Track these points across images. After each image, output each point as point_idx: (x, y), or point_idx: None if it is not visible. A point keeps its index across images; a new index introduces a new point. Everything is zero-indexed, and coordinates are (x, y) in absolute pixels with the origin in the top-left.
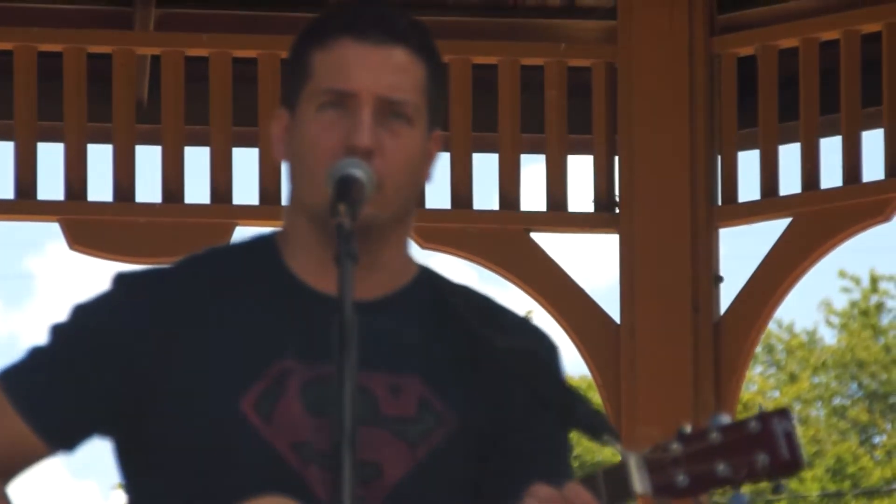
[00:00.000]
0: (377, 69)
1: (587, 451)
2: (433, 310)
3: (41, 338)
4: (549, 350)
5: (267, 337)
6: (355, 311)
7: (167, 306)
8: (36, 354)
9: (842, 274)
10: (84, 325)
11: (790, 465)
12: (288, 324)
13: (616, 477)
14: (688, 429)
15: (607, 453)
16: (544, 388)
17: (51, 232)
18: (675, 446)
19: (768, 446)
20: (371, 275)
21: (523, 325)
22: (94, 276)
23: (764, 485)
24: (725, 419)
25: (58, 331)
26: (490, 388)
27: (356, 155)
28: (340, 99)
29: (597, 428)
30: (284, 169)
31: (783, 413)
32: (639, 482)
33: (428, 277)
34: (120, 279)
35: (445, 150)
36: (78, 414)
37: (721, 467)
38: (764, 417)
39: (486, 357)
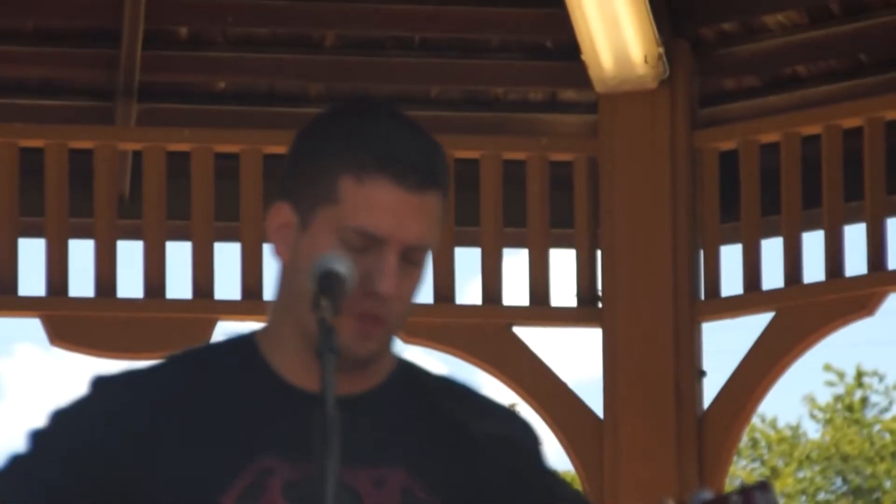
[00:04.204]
0: (410, 217)
1: None
2: (413, 401)
3: (19, 444)
4: (530, 438)
5: (248, 435)
6: (337, 408)
7: (146, 410)
8: (15, 461)
9: (827, 368)
10: (60, 431)
11: None
12: (270, 421)
13: None
14: None
15: None
16: (526, 475)
17: (21, 334)
18: None
19: None
20: (356, 375)
21: (504, 414)
22: (66, 379)
23: None
24: (707, 495)
25: (35, 437)
26: (472, 476)
27: (377, 299)
28: (368, 242)
29: None
30: (278, 266)
31: (764, 486)
32: None
33: (407, 370)
34: (98, 383)
35: None
36: None
37: None
38: (745, 492)
39: (468, 446)
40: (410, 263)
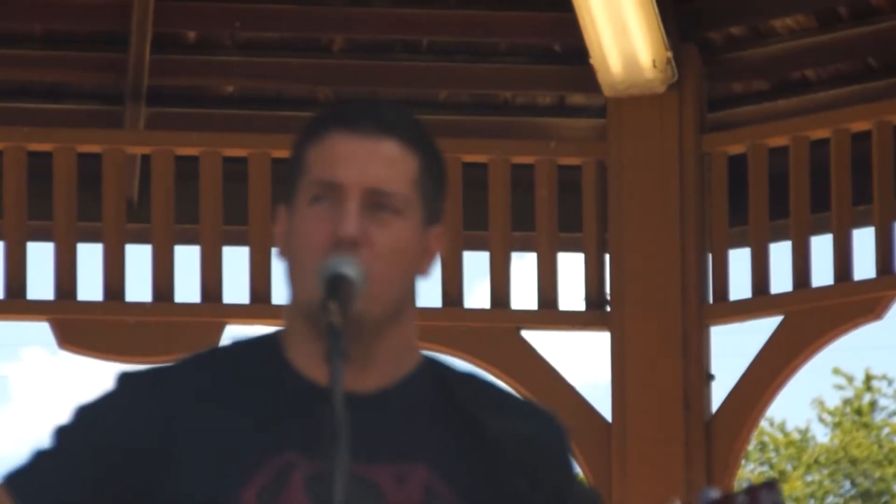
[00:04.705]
0: (365, 161)
1: None
2: (436, 398)
3: (45, 439)
4: (553, 435)
5: (270, 430)
6: (357, 405)
7: (170, 406)
8: (40, 456)
9: (835, 371)
10: (86, 426)
11: None
12: (291, 417)
13: None
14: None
15: None
16: (540, 473)
17: (28, 338)
18: None
19: None
20: (371, 368)
21: (529, 410)
22: (73, 383)
23: None
24: (714, 494)
25: (61, 432)
26: (491, 474)
27: (344, 246)
28: (329, 191)
29: None
30: (282, 266)
31: (770, 485)
32: None
33: (431, 366)
34: (123, 379)
35: None
36: None
37: None
38: (751, 491)
39: (487, 443)
40: (384, 210)
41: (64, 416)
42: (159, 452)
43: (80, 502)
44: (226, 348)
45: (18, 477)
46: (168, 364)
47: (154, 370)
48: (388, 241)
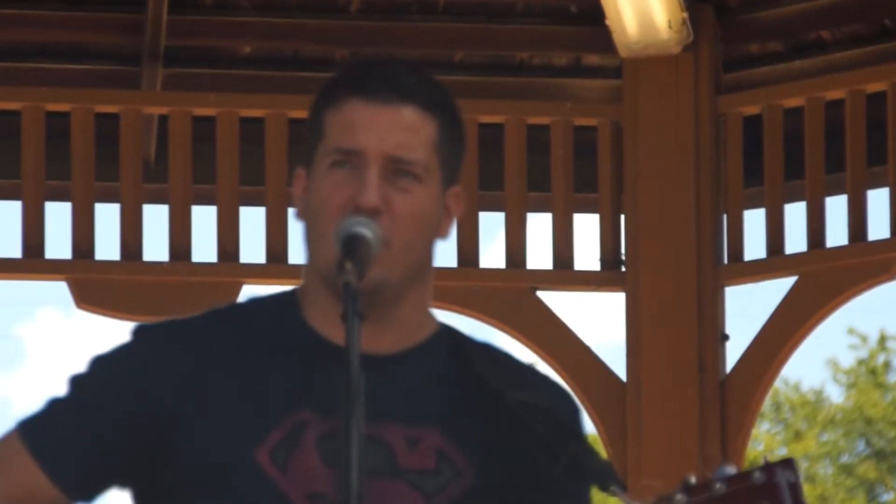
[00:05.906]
0: (384, 129)
1: None
2: (452, 364)
3: (60, 389)
4: (566, 407)
5: (284, 389)
6: (373, 365)
7: (186, 359)
8: (55, 405)
9: (850, 331)
10: (102, 376)
11: None
12: (306, 376)
13: None
14: (692, 480)
15: None
16: (554, 444)
17: (43, 298)
18: (679, 497)
19: (772, 497)
20: (389, 330)
21: (543, 382)
22: (87, 344)
23: None
24: (730, 470)
25: (77, 382)
26: (508, 443)
27: (363, 213)
28: (349, 158)
29: (605, 478)
30: (300, 228)
31: (787, 463)
32: None
33: (448, 333)
34: (139, 331)
35: None
36: (95, 464)
37: None
38: (768, 468)
39: (504, 412)
40: (402, 175)
41: (79, 367)
42: (174, 406)
43: (94, 454)
44: (242, 305)
45: (32, 425)
46: (185, 317)
47: (171, 323)
48: (409, 208)
